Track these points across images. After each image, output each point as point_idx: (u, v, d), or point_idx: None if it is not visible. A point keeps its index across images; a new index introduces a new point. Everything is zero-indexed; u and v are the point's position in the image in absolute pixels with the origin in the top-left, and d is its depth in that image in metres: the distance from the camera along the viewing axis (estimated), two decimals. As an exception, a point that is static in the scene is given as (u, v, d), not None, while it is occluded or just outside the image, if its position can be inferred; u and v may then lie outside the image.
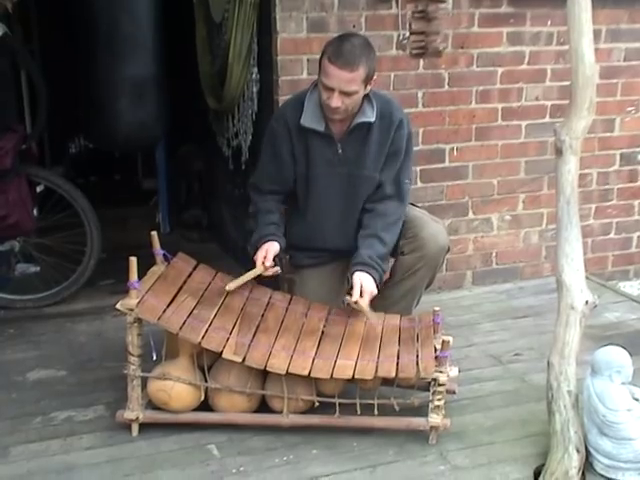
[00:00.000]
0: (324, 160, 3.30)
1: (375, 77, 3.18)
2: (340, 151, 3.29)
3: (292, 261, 3.62)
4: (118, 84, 4.28)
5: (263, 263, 3.21)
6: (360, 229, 3.35)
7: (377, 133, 3.27)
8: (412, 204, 3.56)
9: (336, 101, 3.09)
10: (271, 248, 3.25)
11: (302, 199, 3.39)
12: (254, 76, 4.23)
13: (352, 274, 3.22)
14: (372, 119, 3.23)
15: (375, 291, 3.19)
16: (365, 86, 3.13)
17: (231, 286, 3.20)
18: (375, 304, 3.42)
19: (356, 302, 3.13)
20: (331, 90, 3.08)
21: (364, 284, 3.16)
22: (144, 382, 3.02)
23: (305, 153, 3.30)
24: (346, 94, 3.08)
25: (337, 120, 3.23)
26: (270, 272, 3.23)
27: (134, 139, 4.48)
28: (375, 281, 3.20)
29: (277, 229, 3.33)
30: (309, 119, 3.24)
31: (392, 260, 3.47)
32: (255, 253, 3.27)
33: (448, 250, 3.44)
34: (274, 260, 3.26)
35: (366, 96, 3.20)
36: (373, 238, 3.29)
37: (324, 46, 3.16)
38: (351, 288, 3.19)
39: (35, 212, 4.39)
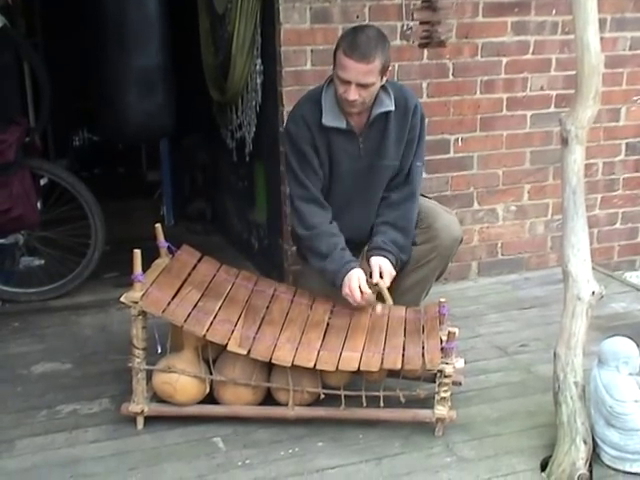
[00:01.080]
0: (347, 156, 3.28)
1: (390, 67, 3.17)
2: (362, 145, 3.27)
3: (299, 252, 3.61)
4: (127, 76, 4.27)
5: (362, 292, 3.14)
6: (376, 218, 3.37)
7: (395, 121, 3.26)
8: (423, 195, 3.55)
9: (353, 94, 3.07)
10: (361, 275, 3.16)
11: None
12: (257, 67, 4.22)
13: (368, 260, 3.22)
14: (391, 107, 3.22)
15: (394, 272, 3.19)
16: (381, 77, 3.12)
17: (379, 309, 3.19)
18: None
19: (376, 284, 3.14)
20: (348, 83, 3.06)
21: (382, 266, 3.17)
22: (149, 375, 3.02)
23: (327, 151, 3.27)
24: (363, 86, 3.07)
25: (355, 114, 3.21)
26: (367, 300, 3.18)
27: (144, 131, 4.47)
28: (392, 264, 3.20)
29: (348, 253, 3.24)
30: (330, 118, 3.21)
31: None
32: (342, 285, 3.17)
33: (461, 241, 3.43)
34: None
35: (382, 86, 3.19)
36: (386, 225, 3.29)
37: (338, 39, 3.14)
38: (371, 274, 3.18)
39: (39, 205, 4.39)
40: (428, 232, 3.34)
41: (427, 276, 3.40)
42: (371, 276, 3.18)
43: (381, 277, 3.16)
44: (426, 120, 3.43)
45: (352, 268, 3.16)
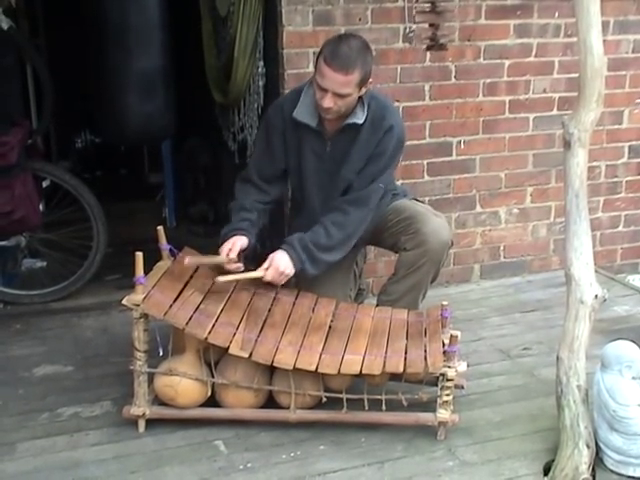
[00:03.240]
0: (314, 155, 3.29)
1: (371, 80, 3.16)
2: (329, 148, 3.28)
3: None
4: (127, 78, 4.26)
5: (227, 255, 3.14)
6: None
7: (365, 136, 3.24)
8: (415, 199, 3.54)
9: (328, 102, 3.07)
10: (238, 242, 3.17)
11: (298, 192, 3.41)
12: (260, 70, 4.22)
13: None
14: (360, 121, 3.21)
15: (286, 270, 3.13)
16: (360, 89, 3.11)
17: (219, 280, 3.11)
18: (380, 300, 3.43)
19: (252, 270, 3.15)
20: (324, 91, 3.06)
21: (275, 259, 3.13)
22: (150, 378, 3.02)
23: (297, 145, 3.29)
24: (339, 96, 3.07)
25: (328, 119, 3.22)
26: (232, 267, 3.15)
27: (143, 133, 4.46)
28: (294, 263, 3.15)
29: (250, 226, 3.26)
30: (302, 113, 3.23)
31: (395, 256, 3.45)
32: (222, 245, 3.20)
33: (451, 245, 3.41)
34: (239, 255, 3.18)
35: (361, 98, 3.19)
36: (320, 226, 3.23)
37: (322, 45, 3.14)
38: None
39: (41, 207, 4.39)
40: (417, 237, 3.30)
41: (420, 281, 3.37)
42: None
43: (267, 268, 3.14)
44: (402, 146, 3.37)
45: (236, 235, 3.19)
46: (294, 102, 3.26)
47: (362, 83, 3.09)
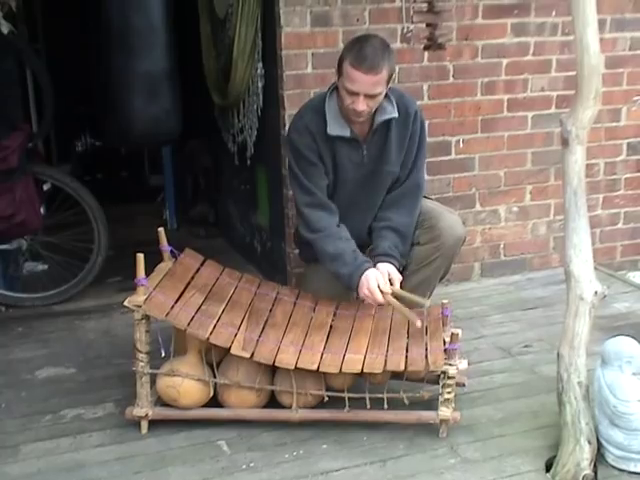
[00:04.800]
0: (352, 164, 3.30)
1: (394, 74, 3.19)
2: (366, 152, 3.29)
3: (301, 255, 3.62)
4: (132, 81, 4.27)
5: (382, 292, 3.10)
6: (374, 222, 3.37)
7: (397, 128, 3.28)
8: (425, 196, 3.56)
9: (362, 105, 3.08)
10: (379, 276, 3.11)
11: None
12: (259, 71, 4.23)
13: (374, 265, 3.18)
14: (395, 115, 3.24)
15: (401, 277, 3.18)
16: (387, 85, 3.13)
17: (419, 324, 3.04)
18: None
19: (392, 291, 3.10)
20: (356, 95, 3.06)
21: (391, 272, 3.15)
22: (153, 379, 3.02)
23: (332, 159, 3.29)
24: (371, 97, 3.08)
25: (359, 122, 3.22)
26: (388, 300, 3.13)
27: (149, 136, 4.47)
28: (397, 269, 3.20)
29: (362, 255, 3.23)
30: (335, 127, 3.22)
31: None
32: (358, 286, 3.13)
33: (464, 240, 3.44)
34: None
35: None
36: (387, 230, 3.29)
37: (342, 50, 3.14)
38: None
39: (42, 210, 4.40)
40: (431, 232, 3.35)
41: (430, 276, 3.40)
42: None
43: (390, 283, 3.13)
44: (426, 126, 3.43)
45: (367, 269, 3.13)
46: (320, 120, 3.24)
47: (389, 79, 3.12)
